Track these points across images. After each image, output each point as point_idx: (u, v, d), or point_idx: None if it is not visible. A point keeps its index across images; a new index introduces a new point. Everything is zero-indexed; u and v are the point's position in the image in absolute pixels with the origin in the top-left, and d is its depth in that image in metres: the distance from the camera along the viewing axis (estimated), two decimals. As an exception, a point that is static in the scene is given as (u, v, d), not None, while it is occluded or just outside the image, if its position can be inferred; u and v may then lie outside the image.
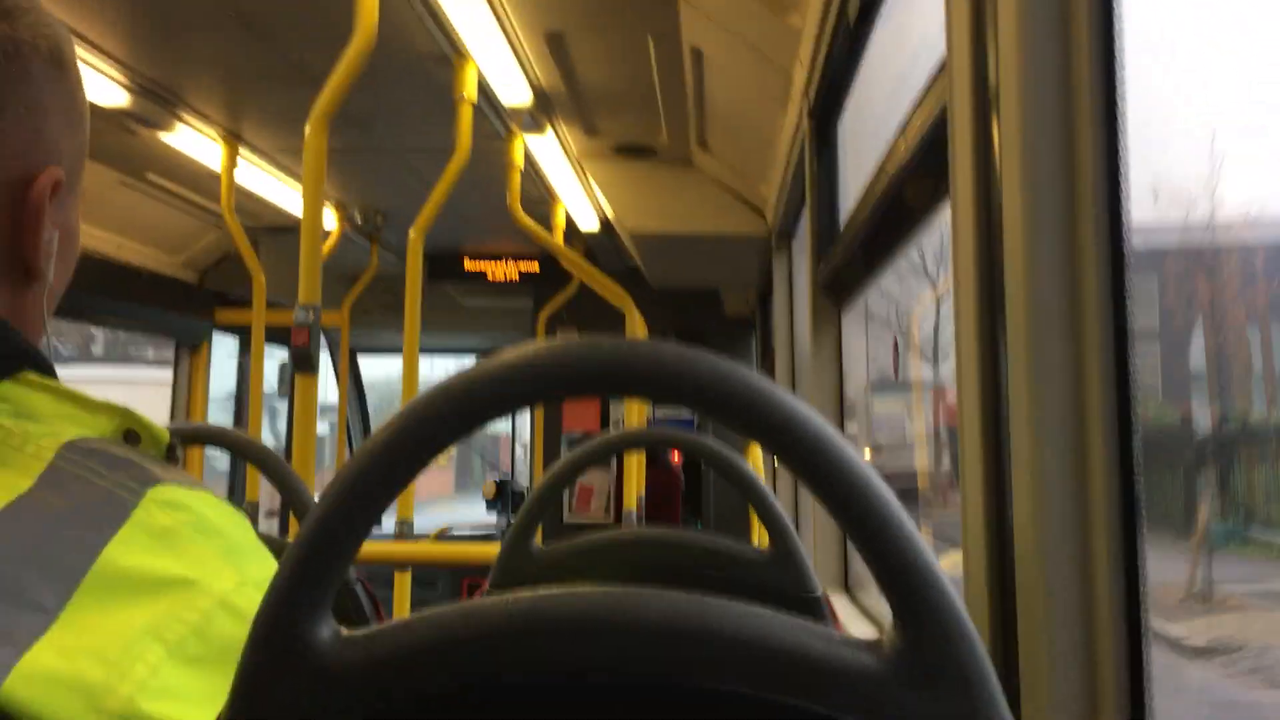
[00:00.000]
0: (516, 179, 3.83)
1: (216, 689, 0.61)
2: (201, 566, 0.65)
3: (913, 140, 1.54)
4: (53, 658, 0.58)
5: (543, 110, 3.66)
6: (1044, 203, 0.93)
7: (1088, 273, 0.90)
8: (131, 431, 0.73)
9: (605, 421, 6.45)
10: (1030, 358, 0.92)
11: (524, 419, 7.53)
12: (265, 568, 0.69)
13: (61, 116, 0.76)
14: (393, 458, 0.48)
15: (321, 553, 0.48)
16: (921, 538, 0.48)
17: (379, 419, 7.07)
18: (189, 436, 1.45)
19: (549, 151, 4.03)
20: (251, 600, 0.65)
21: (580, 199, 4.73)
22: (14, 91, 0.72)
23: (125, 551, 0.63)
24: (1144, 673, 0.84)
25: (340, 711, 0.47)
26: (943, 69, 1.31)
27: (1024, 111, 0.95)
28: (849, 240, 2.28)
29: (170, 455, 0.75)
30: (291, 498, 1.38)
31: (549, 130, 3.84)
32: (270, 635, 0.48)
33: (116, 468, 0.67)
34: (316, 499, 0.62)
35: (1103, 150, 0.91)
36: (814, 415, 0.48)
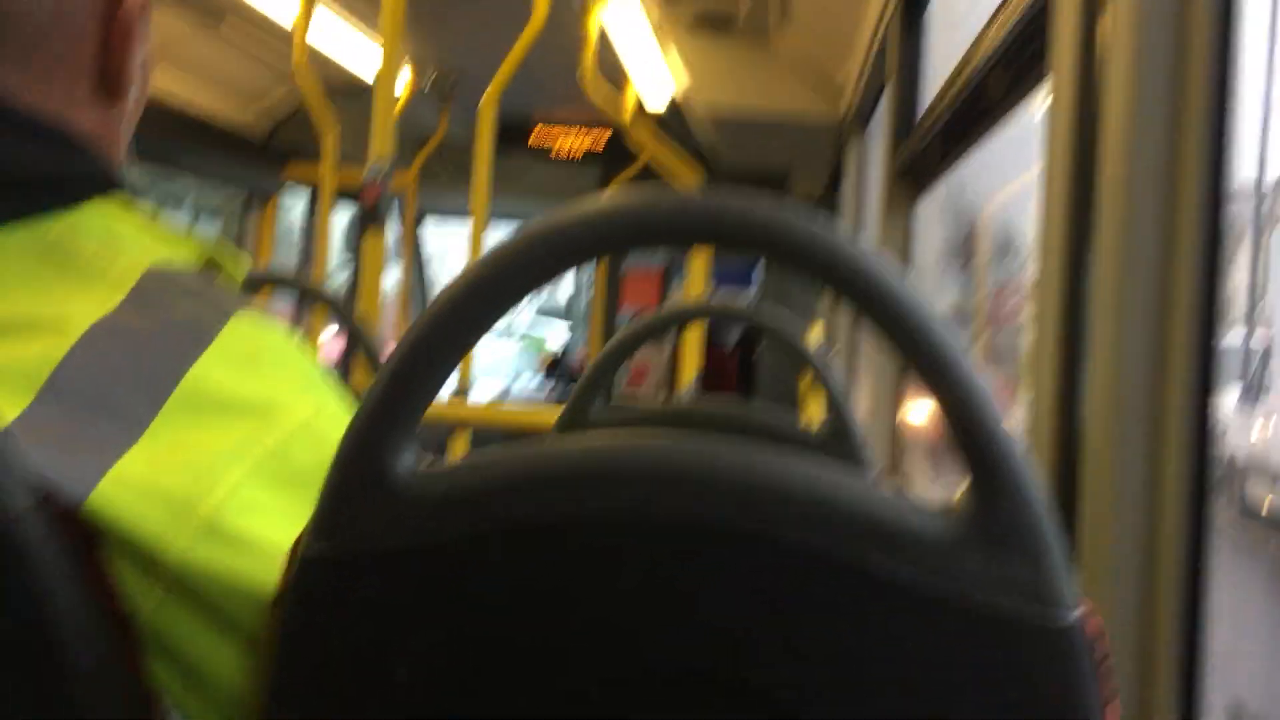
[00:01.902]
0: (591, 48, 3.76)
1: (296, 510, 0.63)
2: (282, 392, 0.67)
3: (1008, 22, 1.48)
4: (141, 468, 0.60)
5: (623, -27, 3.57)
6: (1150, 97, 0.90)
7: (1189, 172, 0.87)
8: (212, 262, 0.75)
9: (664, 298, 6.44)
10: (1120, 251, 0.90)
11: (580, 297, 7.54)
12: (340, 400, 0.71)
13: None
14: (481, 294, 0.49)
15: (407, 383, 0.49)
16: (999, 407, 0.48)
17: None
18: (262, 280, 1.47)
19: (628, 18, 3.95)
20: (329, 428, 0.67)
21: (654, 72, 4.64)
22: None
23: (211, 370, 0.65)
24: (1202, 561, 0.84)
25: (421, 540, 0.49)
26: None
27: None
28: (929, 127, 2.23)
29: (246, 290, 0.76)
30: (360, 343, 1.40)
31: (629, -6, 3.75)
32: (355, 460, 0.49)
33: (200, 294, 0.69)
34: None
35: (1217, 46, 0.87)
36: (901, 278, 0.48)
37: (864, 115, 3.98)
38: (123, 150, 0.79)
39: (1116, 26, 0.93)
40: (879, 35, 2.93)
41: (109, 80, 0.75)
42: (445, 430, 3.26)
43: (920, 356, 0.47)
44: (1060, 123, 1.05)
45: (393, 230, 6.61)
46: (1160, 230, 0.89)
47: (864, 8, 3.15)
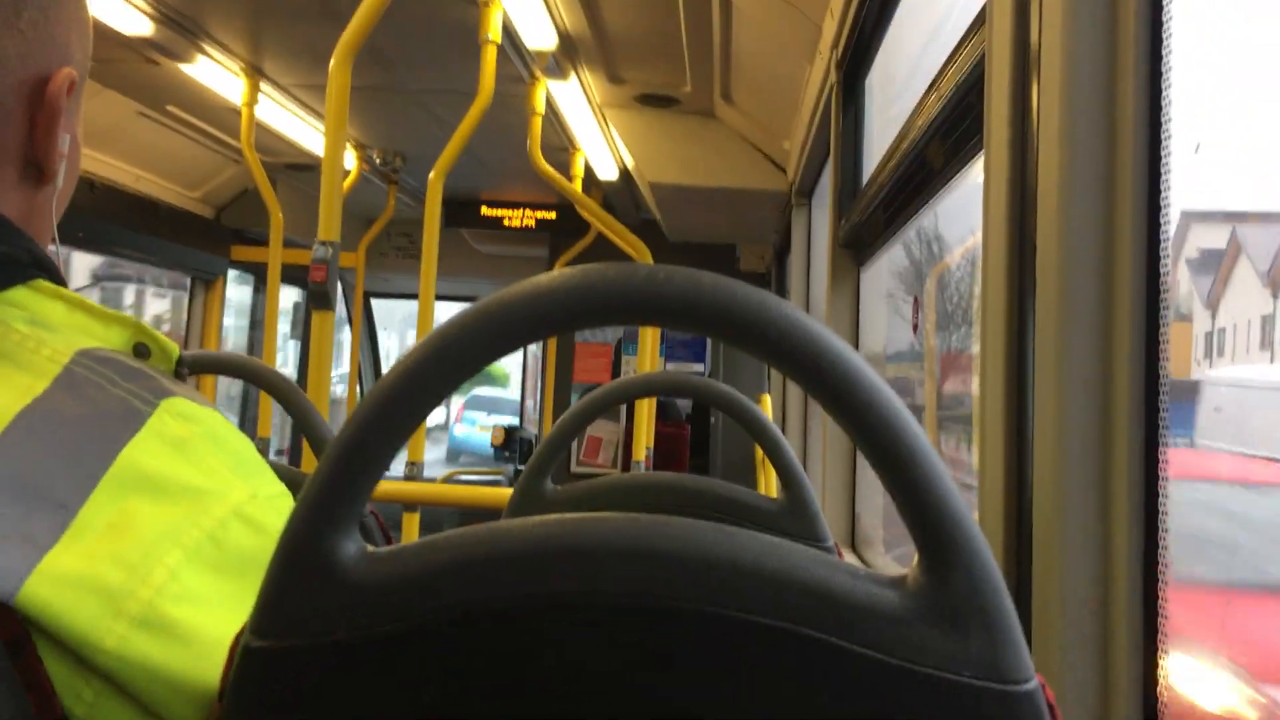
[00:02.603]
0: (538, 125, 3.80)
1: (234, 596, 0.61)
2: (214, 477, 0.66)
3: (945, 93, 1.52)
4: (73, 560, 0.58)
5: (567, 55, 3.62)
6: (1082, 165, 0.92)
7: (1124, 238, 0.89)
8: (142, 345, 0.74)
9: (616, 373, 6.46)
10: (1060, 315, 0.91)
11: (534, 371, 7.55)
12: (274, 484, 0.70)
13: (74, 22, 0.77)
14: (426, 375, 0.48)
15: (353, 467, 0.48)
16: (950, 477, 0.48)
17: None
18: (207, 364, 1.45)
19: (571, 98, 4.00)
20: (263, 513, 0.65)
21: (601, 148, 4.70)
22: None
23: (142, 455, 0.63)
24: (1159, 625, 0.84)
25: (366, 626, 0.47)
26: (981, 21, 1.29)
27: (1066, 69, 0.93)
28: (872, 196, 2.27)
29: (178, 372, 0.75)
30: (307, 428, 1.38)
31: (572, 76, 3.80)
32: (298, 547, 0.48)
33: (130, 378, 0.68)
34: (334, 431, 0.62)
35: (1145, 116, 0.89)
36: (848, 349, 0.48)
37: (809, 186, 4.05)
38: (51, 229, 0.78)
39: (1047, 96, 0.96)
40: (819, 108, 2.99)
41: (36, 164, 0.74)
42: (397, 511, 3.22)
43: (866, 432, 0.47)
44: (996, 191, 1.07)
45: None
46: (1098, 294, 0.90)
47: (804, 82, 3.22)
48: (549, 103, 3.89)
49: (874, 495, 2.76)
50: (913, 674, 0.46)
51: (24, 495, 0.60)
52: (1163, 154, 0.89)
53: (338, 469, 0.48)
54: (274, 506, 0.67)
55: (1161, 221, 0.89)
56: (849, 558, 2.62)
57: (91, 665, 0.58)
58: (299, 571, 0.48)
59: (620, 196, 5.77)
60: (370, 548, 0.49)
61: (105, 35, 3.25)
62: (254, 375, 1.42)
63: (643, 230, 5.23)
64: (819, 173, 3.74)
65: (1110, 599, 0.86)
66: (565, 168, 4.61)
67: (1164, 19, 0.90)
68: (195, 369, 1.41)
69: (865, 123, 2.74)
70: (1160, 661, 0.84)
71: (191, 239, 5.27)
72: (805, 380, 0.48)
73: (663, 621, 0.47)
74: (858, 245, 2.72)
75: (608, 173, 5.13)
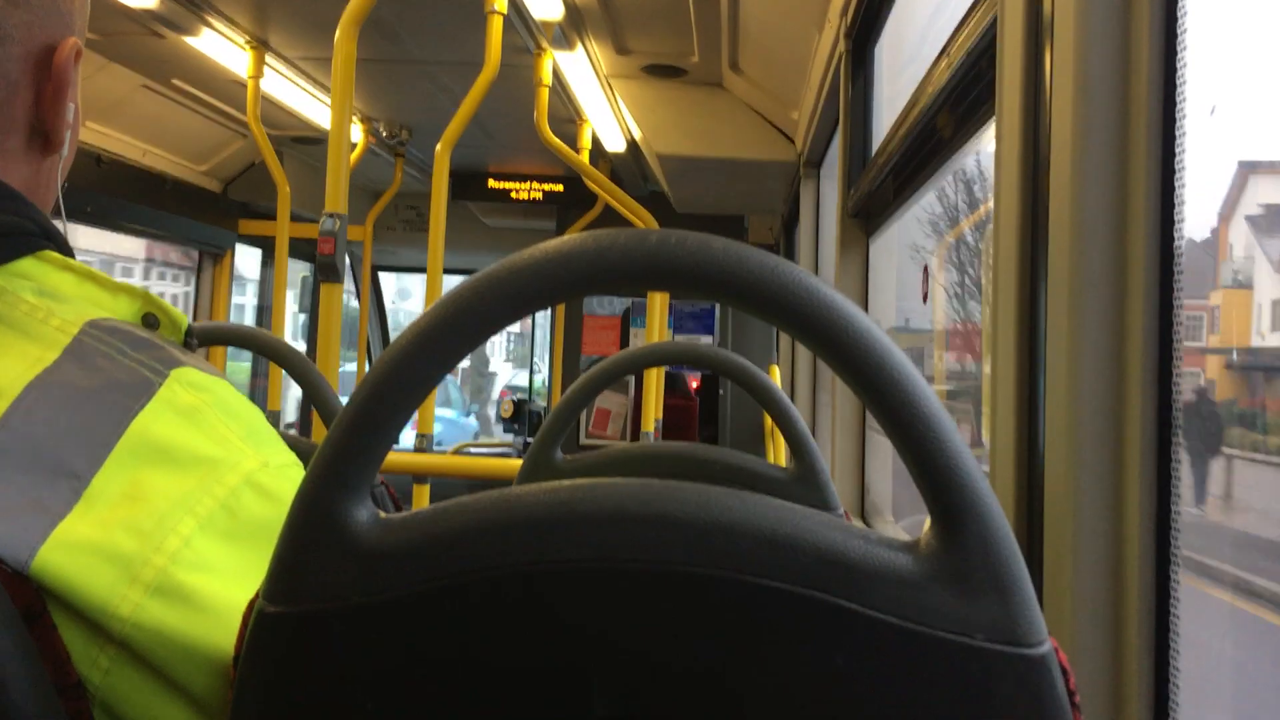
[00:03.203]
0: (544, 97, 3.78)
1: (247, 564, 0.62)
2: (226, 446, 0.66)
3: (955, 61, 1.51)
4: (87, 528, 0.59)
5: (573, 25, 3.60)
6: (1096, 132, 0.91)
7: (1137, 205, 0.88)
8: (151, 315, 0.74)
9: (624, 345, 6.46)
10: (1072, 283, 0.91)
11: (542, 338, 7.56)
12: (285, 453, 0.70)
13: None
14: (437, 341, 0.48)
15: (362, 434, 0.48)
16: (963, 443, 0.48)
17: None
18: (216, 336, 1.45)
19: (578, 69, 3.98)
20: (275, 481, 0.66)
21: (608, 119, 4.68)
22: None
23: (154, 424, 0.63)
24: (1170, 592, 0.84)
25: (379, 592, 0.47)
26: (991, -14, 1.27)
27: (1079, 34, 0.92)
28: (881, 166, 2.25)
29: (187, 343, 0.75)
30: (317, 398, 1.39)
31: (579, 47, 3.78)
32: (311, 513, 0.48)
33: (140, 348, 0.68)
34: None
35: (1160, 80, 0.88)
36: (860, 313, 0.48)
37: (817, 156, 4.03)
38: (55, 198, 0.78)
39: (1060, 62, 0.95)
40: (828, 77, 2.97)
41: (43, 134, 0.74)
42: (407, 482, 3.23)
43: (878, 394, 0.47)
44: (1008, 159, 1.06)
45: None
46: (1112, 261, 0.89)
47: (813, 51, 3.20)
48: (555, 74, 3.87)
49: (883, 466, 2.76)
50: (926, 637, 0.46)
51: (36, 465, 0.60)
52: (1177, 117, 0.88)
53: (350, 434, 0.48)
54: (286, 475, 0.68)
55: (1176, 190, 0.88)
56: (857, 526, 2.62)
57: (107, 633, 0.58)
58: (312, 537, 0.48)
59: (628, 168, 5.75)
60: (383, 514, 0.49)
61: (109, 8, 3.24)
62: (263, 346, 1.42)
63: (651, 202, 5.21)
64: (828, 143, 3.72)
65: (1123, 562, 0.86)
66: (572, 139, 4.59)
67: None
68: (204, 340, 1.41)
69: (874, 91, 2.73)
70: (1172, 625, 0.84)
71: (199, 213, 5.27)
72: (816, 343, 0.47)
73: (676, 586, 0.47)
74: (867, 215, 2.71)
75: (615, 144, 5.10)
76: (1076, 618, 0.88)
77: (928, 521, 0.48)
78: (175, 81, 4.33)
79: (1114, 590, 0.87)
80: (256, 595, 0.50)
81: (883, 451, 2.72)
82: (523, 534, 0.47)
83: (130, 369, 0.66)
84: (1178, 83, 0.88)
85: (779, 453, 3.74)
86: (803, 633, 0.46)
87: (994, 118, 1.14)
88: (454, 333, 0.48)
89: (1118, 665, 0.87)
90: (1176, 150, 0.88)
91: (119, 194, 4.57)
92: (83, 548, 0.58)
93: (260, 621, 0.49)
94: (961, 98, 1.66)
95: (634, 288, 0.49)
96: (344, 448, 0.48)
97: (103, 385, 0.64)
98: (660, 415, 4.24)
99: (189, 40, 3.75)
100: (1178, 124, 0.88)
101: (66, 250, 0.73)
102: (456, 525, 0.48)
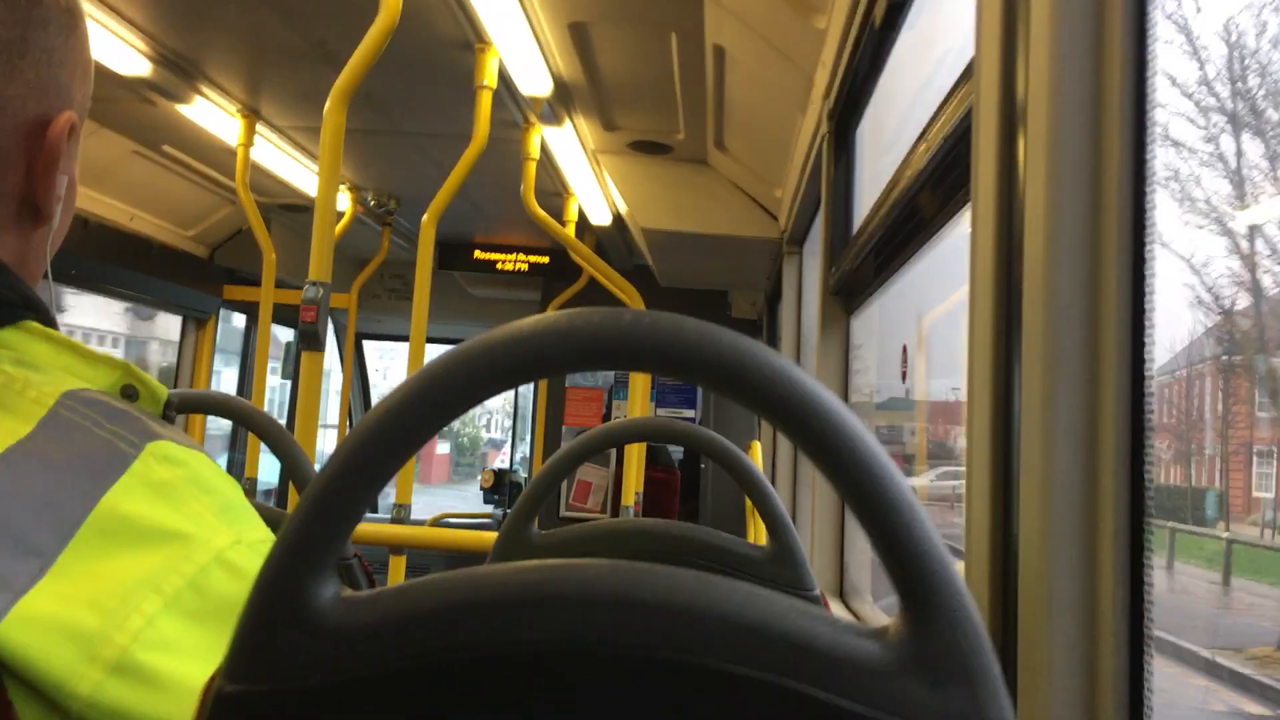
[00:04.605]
0: (531, 170, 3.83)
1: (212, 644, 0.61)
2: (198, 522, 0.65)
3: (934, 145, 1.53)
4: (49, 604, 0.58)
5: (561, 101, 3.65)
6: (1068, 217, 0.92)
7: (1109, 289, 0.89)
8: (130, 387, 0.73)
9: (607, 418, 6.45)
10: (1045, 366, 0.91)
11: (525, 408, 7.54)
12: (259, 530, 0.69)
13: (75, 66, 0.77)
14: (406, 419, 0.48)
15: (329, 510, 0.47)
16: (933, 528, 0.48)
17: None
18: (194, 404, 1.44)
19: (565, 144, 4.03)
20: (247, 559, 0.65)
21: (594, 193, 4.72)
22: (35, 36, 0.73)
23: (124, 500, 0.63)
24: (1144, 681, 0.84)
25: (340, 671, 0.47)
26: (969, 74, 1.30)
27: (1052, 122, 0.94)
28: (862, 245, 2.28)
29: (166, 414, 0.75)
30: (293, 468, 1.38)
31: (566, 122, 3.83)
32: (273, 592, 0.47)
33: (116, 420, 0.67)
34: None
35: (1130, 168, 0.90)
36: (831, 397, 0.48)
37: (800, 234, 4.07)
38: (45, 269, 0.78)
39: (1034, 148, 0.96)
40: (811, 157, 3.02)
41: (33, 206, 0.74)
42: (383, 552, 3.20)
43: (846, 479, 0.47)
44: (983, 242, 1.07)
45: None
46: (1083, 345, 0.90)
47: (796, 131, 3.25)
48: (543, 148, 3.92)
49: (863, 546, 2.75)
50: None
51: (2, 540, 0.59)
52: (1147, 206, 0.89)
53: (315, 512, 0.47)
54: (258, 552, 0.67)
55: (1147, 264, 0.89)
56: (836, 607, 2.60)
57: (64, 710, 0.57)
58: (274, 615, 0.47)
59: (613, 241, 5.79)
60: (348, 591, 0.49)
61: (103, 75, 3.27)
62: (240, 415, 1.41)
63: (635, 275, 5.25)
64: (810, 221, 3.76)
65: (1097, 657, 0.86)
66: (559, 212, 4.64)
67: (1148, 75, 0.91)
68: (182, 408, 1.40)
69: (856, 172, 2.77)
70: (1147, 715, 0.84)
71: (184, 278, 5.27)
72: (786, 426, 0.47)
73: (644, 672, 0.46)
74: (848, 293, 2.73)
75: (601, 218, 5.15)
76: (1052, 708, 0.87)
77: (898, 609, 0.48)
78: (166, 148, 4.37)
79: (1089, 678, 0.86)
80: (216, 673, 0.49)
81: (861, 531, 2.71)
82: (488, 615, 0.47)
83: (105, 441, 0.65)
84: (1146, 174, 0.89)
85: (759, 530, 3.72)
86: None
87: (970, 201, 1.15)
88: (426, 409, 0.48)
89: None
90: (1146, 239, 0.89)
91: (105, 257, 4.58)
92: (43, 624, 0.57)
93: (219, 700, 0.48)
94: (940, 180, 1.69)
95: (608, 368, 0.49)
96: (309, 525, 0.47)
97: (75, 458, 0.64)
98: (641, 489, 4.22)
99: (181, 108, 3.79)
100: (1147, 213, 0.89)
101: (49, 320, 0.73)
102: (421, 605, 0.47)
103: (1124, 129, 0.90)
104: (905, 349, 2.28)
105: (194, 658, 0.60)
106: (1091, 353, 0.90)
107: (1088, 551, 0.87)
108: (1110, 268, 0.89)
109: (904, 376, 2.31)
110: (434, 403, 0.48)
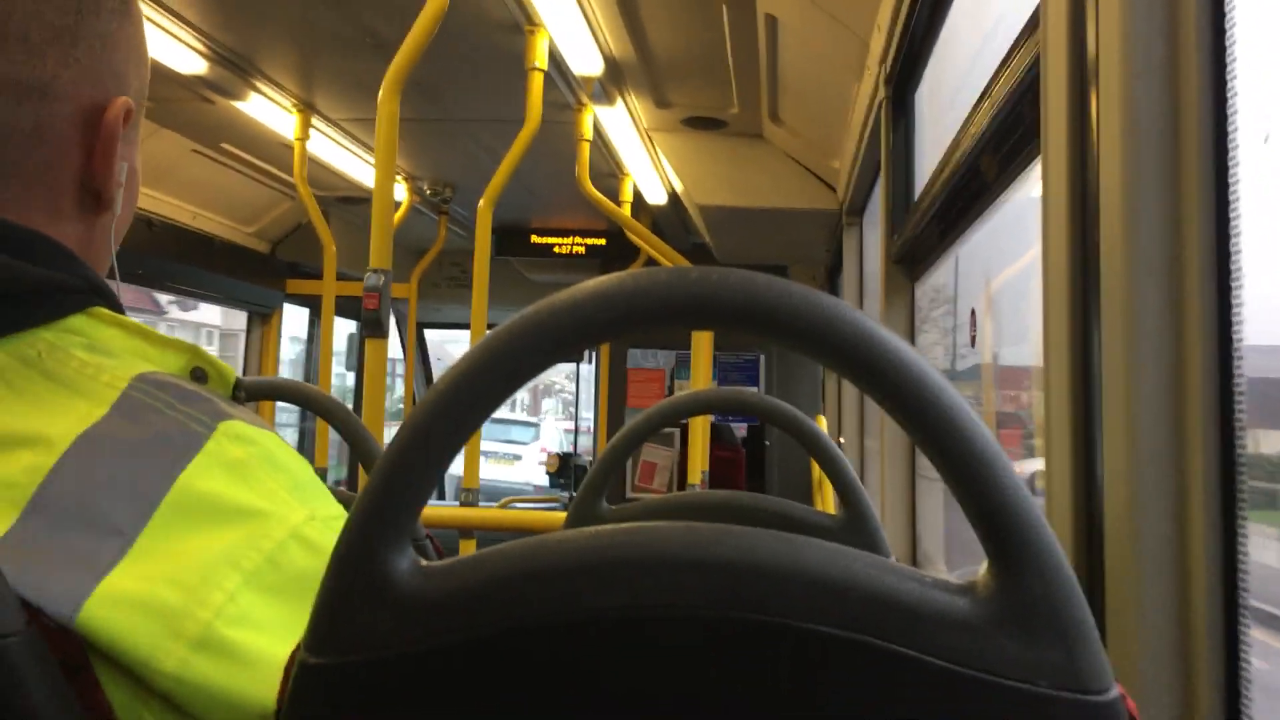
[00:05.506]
0: (585, 151, 3.82)
1: (291, 619, 0.61)
2: (273, 499, 0.65)
3: (998, 101, 1.50)
4: (131, 582, 0.58)
5: (613, 81, 3.64)
6: (1146, 171, 0.89)
7: (1191, 248, 0.86)
8: (199, 369, 0.74)
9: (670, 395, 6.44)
10: (1127, 323, 0.88)
11: (587, 393, 7.56)
12: (332, 506, 0.70)
13: (130, 52, 0.78)
14: (475, 385, 0.47)
15: (402, 481, 0.47)
16: (1020, 480, 0.46)
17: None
18: (264, 390, 1.46)
19: (618, 123, 4.02)
20: (322, 534, 0.65)
21: (649, 172, 4.71)
22: (88, 23, 0.74)
23: (200, 479, 0.63)
24: (1239, 628, 0.81)
25: (419, 641, 0.46)
26: (1033, 25, 1.27)
27: (1124, 69, 0.91)
28: (924, 211, 2.24)
29: (235, 396, 0.75)
30: (362, 452, 1.39)
31: (619, 101, 3.82)
32: (351, 563, 0.47)
33: (188, 401, 0.68)
34: None
35: (1210, 109, 0.86)
36: (915, 353, 0.46)
37: (859, 205, 4.02)
38: (110, 258, 0.79)
39: (1107, 100, 0.93)
40: (869, 124, 2.97)
41: (93, 193, 0.75)
42: (454, 537, 3.23)
43: (929, 432, 0.45)
44: (1055, 201, 1.04)
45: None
46: (1167, 300, 0.87)
47: (852, 99, 3.20)
48: (596, 128, 3.91)
49: (934, 514, 2.72)
50: (987, 684, 0.44)
51: (82, 521, 0.60)
52: (1230, 150, 0.86)
53: (388, 481, 0.47)
54: (332, 528, 0.67)
55: (1231, 221, 0.86)
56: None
57: (151, 687, 0.58)
58: (352, 587, 0.47)
59: (669, 220, 5.78)
60: (425, 562, 0.48)
61: (161, 75, 3.32)
62: (309, 400, 1.43)
63: (693, 254, 5.23)
64: (870, 190, 3.72)
65: (1188, 603, 0.83)
66: (614, 193, 4.63)
67: (1226, 21, 0.87)
68: (252, 395, 1.42)
69: (916, 137, 2.72)
70: (1242, 670, 0.81)
71: (247, 274, 5.35)
72: (864, 380, 0.46)
73: (724, 634, 0.45)
74: (911, 261, 2.69)
75: (656, 197, 5.13)
76: (1142, 662, 0.84)
77: (985, 563, 0.47)
78: (224, 145, 4.43)
79: (1181, 632, 0.84)
80: (298, 647, 0.49)
81: (934, 499, 2.68)
82: (564, 580, 0.46)
83: (178, 422, 0.66)
84: (1229, 114, 0.86)
85: (828, 503, 3.69)
86: (858, 681, 0.44)
87: (1039, 159, 1.12)
88: (492, 377, 0.47)
89: (1187, 713, 0.83)
90: (1230, 183, 0.86)
91: (170, 256, 4.66)
92: (127, 602, 0.58)
93: (302, 673, 0.48)
94: (1005, 139, 1.65)
95: (676, 326, 0.48)
96: (382, 495, 0.47)
97: (149, 439, 0.64)
98: (706, 467, 4.22)
99: (237, 105, 3.84)
100: (1230, 156, 0.86)
101: (117, 306, 0.74)
102: (498, 572, 0.47)
103: (1203, 77, 0.87)
104: (974, 312, 2.24)
105: (275, 632, 0.60)
106: (1175, 306, 0.87)
107: (1177, 506, 0.85)
108: (1192, 220, 0.86)
109: (973, 341, 2.27)
110: (501, 370, 0.47)
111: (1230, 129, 0.86)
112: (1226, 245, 0.86)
